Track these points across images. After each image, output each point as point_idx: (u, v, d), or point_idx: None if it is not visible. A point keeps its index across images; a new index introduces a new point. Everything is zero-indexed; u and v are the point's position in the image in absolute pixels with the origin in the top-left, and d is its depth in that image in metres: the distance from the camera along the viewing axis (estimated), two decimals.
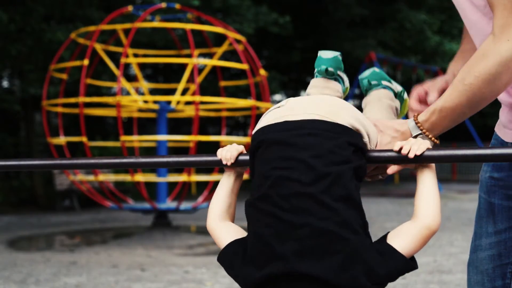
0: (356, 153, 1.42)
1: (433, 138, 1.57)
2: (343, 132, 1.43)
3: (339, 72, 1.73)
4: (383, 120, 1.62)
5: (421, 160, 1.43)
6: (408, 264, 1.35)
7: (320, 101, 1.53)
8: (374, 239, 1.41)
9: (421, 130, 1.56)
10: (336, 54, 1.72)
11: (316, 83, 1.73)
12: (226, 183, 1.58)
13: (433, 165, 1.46)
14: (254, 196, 1.42)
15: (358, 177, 1.42)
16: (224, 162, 1.56)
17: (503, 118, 1.69)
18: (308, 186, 1.35)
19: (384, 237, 1.39)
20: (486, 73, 1.47)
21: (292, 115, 1.47)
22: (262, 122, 1.52)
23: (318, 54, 1.75)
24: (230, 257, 1.44)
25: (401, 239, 1.37)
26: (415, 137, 1.56)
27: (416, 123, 1.56)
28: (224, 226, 1.52)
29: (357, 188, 1.40)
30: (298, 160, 1.38)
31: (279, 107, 1.53)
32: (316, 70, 1.74)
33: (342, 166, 1.38)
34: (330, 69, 1.69)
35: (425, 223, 1.38)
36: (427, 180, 1.43)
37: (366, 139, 1.49)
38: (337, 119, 1.44)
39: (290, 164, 1.38)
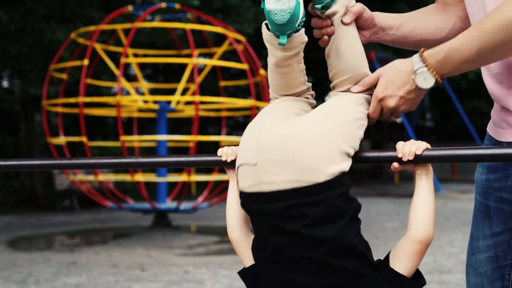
0: (347, 198, 1.40)
1: (436, 75, 1.48)
2: (327, 189, 1.37)
3: (297, 24, 1.49)
4: (386, 67, 1.55)
5: (421, 160, 1.42)
6: (415, 285, 1.39)
7: (294, 146, 1.39)
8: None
9: (424, 63, 1.49)
10: (290, 11, 1.42)
11: (276, 50, 1.53)
12: (234, 191, 1.56)
13: (431, 171, 1.45)
14: (259, 255, 1.44)
15: (355, 220, 1.41)
16: (224, 158, 1.55)
17: (495, 118, 1.66)
18: (311, 250, 1.36)
19: (387, 259, 1.41)
20: (503, 23, 1.41)
21: (270, 183, 1.38)
22: (244, 180, 1.44)
23: (267, 9, 1.43)
24: (252, 281, 1.47)
25: (400, 260, 1.39)
26: (416, 71, 1.49)
27: (420, 57, 1.49)
28: (247, 243, 1.52)
29: (357, 234, 1.40)
30: (293, 232, 1.37)
31: (252, 165, 1.41)
32: (271, 31, 1.50)
33: (338, 223, 1.36)
34: (289, 32, 1.48)
35: (417, 238, 1.40)
36: (422, 190, 1.43)
37: (350, 159, 1.43)
38: (318, 176, 1.36)
39: (286, 234, 1.38)
